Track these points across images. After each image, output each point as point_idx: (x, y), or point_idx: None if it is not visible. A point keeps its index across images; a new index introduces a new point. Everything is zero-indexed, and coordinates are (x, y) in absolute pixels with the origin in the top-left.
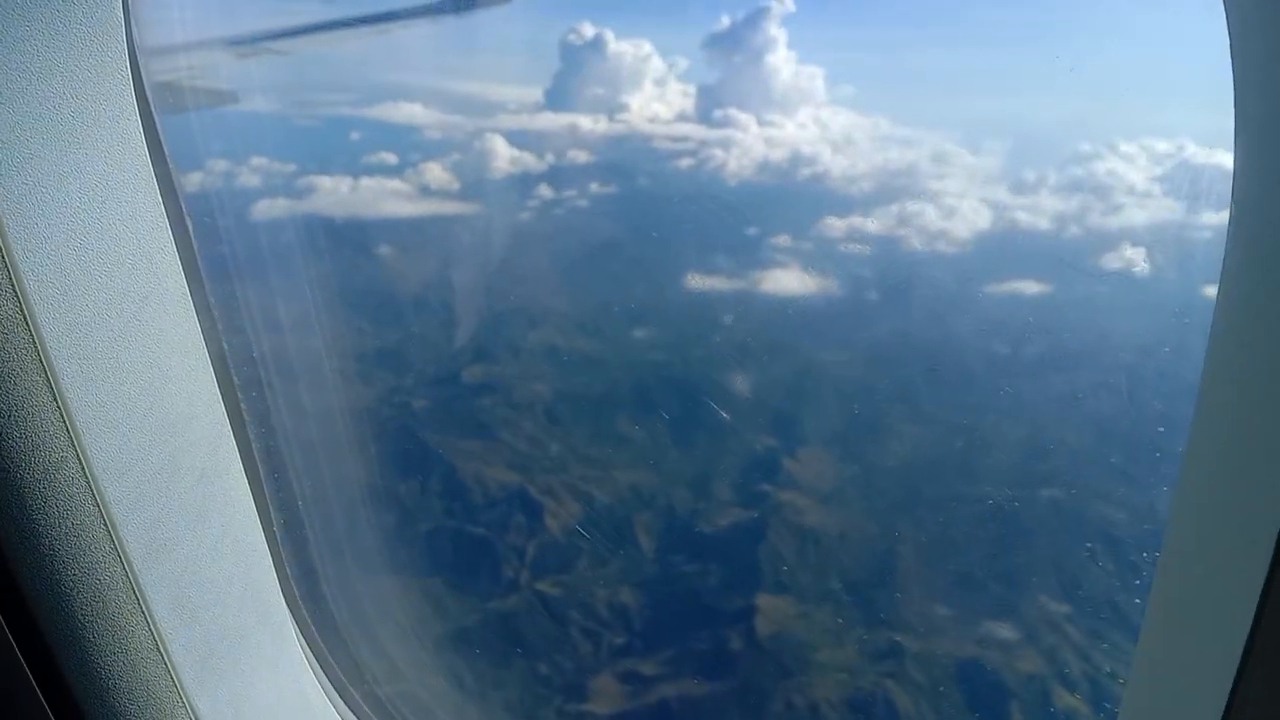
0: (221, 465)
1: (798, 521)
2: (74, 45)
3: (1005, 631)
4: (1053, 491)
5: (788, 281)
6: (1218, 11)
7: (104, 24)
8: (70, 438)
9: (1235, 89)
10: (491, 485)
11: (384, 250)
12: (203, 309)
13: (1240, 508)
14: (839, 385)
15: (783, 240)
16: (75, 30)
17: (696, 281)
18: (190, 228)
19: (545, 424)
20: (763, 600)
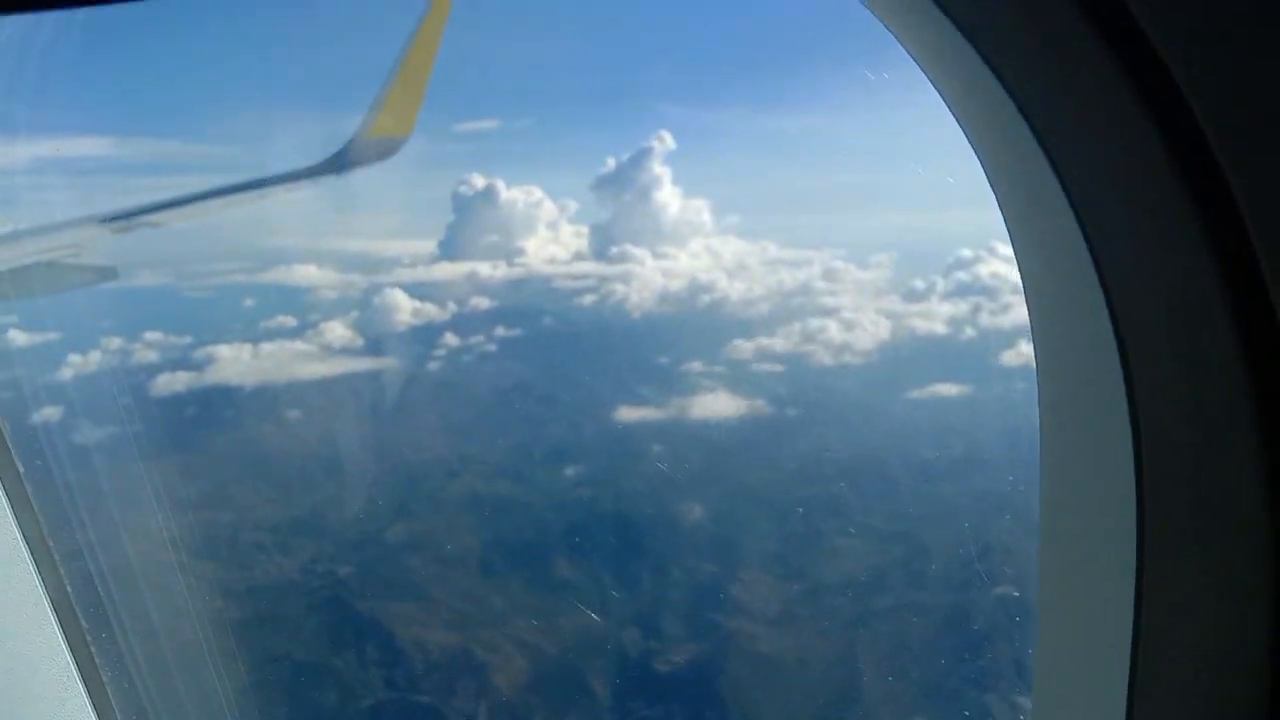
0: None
1: (753, 649)
2: None
3: None
4: (1004, 589)
5: (706, 406)
6: None
7: None
8: None
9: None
10: (432, 649)
11: (293, 414)
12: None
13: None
14: (772, 504)
15: (695, 366)
16: None
17: (614, 414)
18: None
19: (480, 577)
20: None
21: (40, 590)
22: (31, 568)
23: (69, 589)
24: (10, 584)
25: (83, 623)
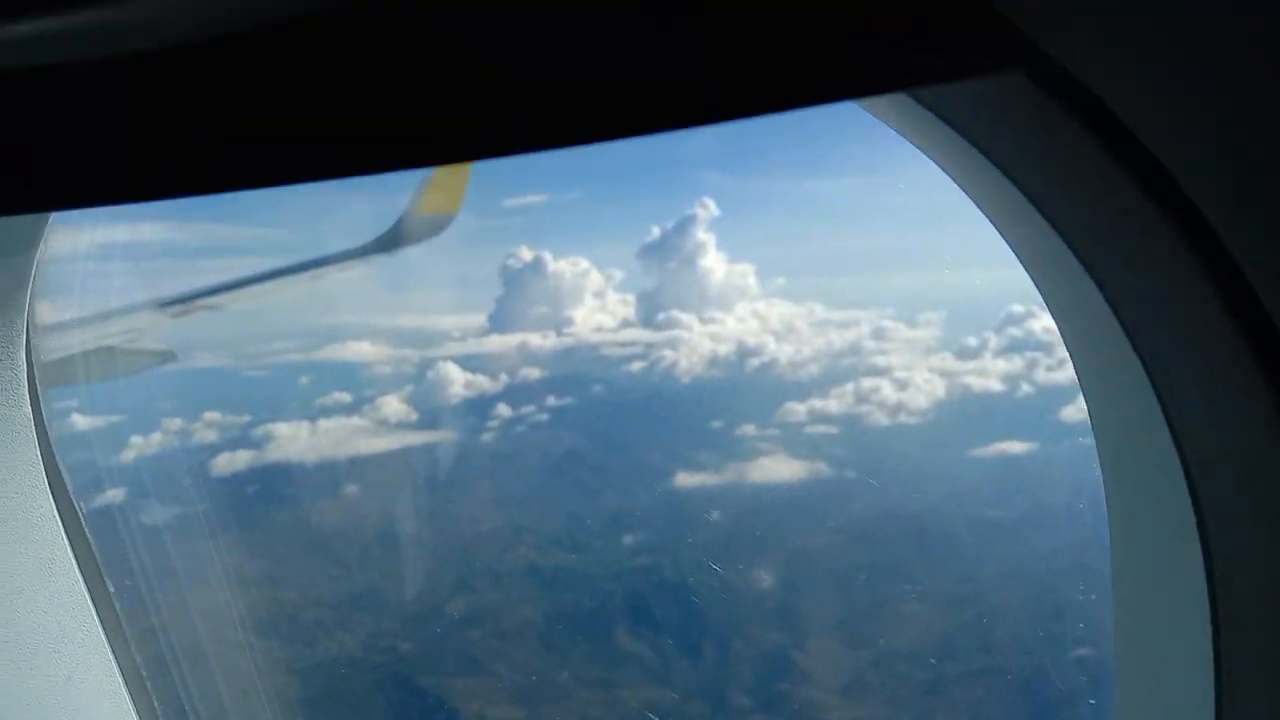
0: None
1: None
2: None
3: None
4: (1084, 650)
5: (763, 470)
6: None
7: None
8: None
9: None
10: None
11: (351, 489)
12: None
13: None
14: (837, 568)
15: (748, 430)
16: None
17: (670, 481)
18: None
19: (541, 650)
20: None
21: (115, 670)
22: (107, 648)
23: (141, 669)
24: (87, 665)
25: (155, 703)
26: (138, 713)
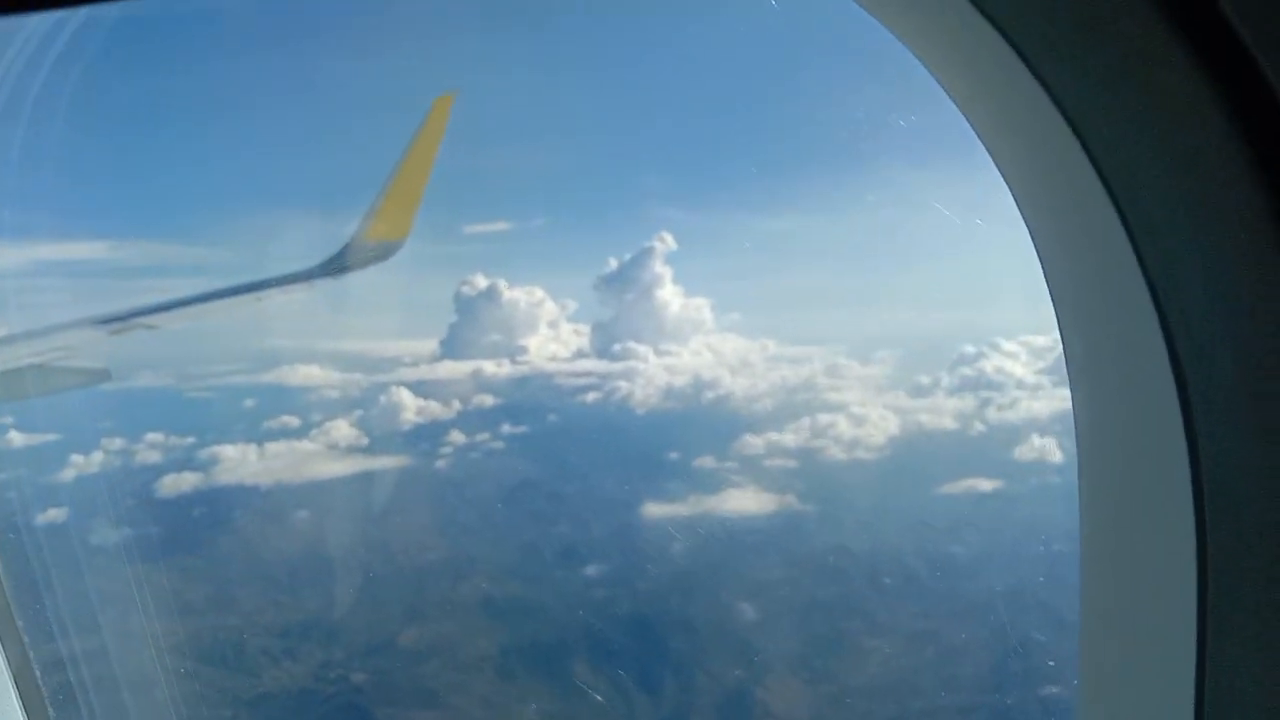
0: None
1: None
2: None
3: None
4: (1052, 689)
5: (722, 502)
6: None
7: None
8: None
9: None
10: None
11: (301, 514)
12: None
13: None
14: (795, 602)
15: (707, 461)
16: None
17: (627, 512)
18: None
19: (498, 683)
20: None
21: (14, 697)
22: (8, 679)
23: (45, 700)
24: None
25: None
26: None
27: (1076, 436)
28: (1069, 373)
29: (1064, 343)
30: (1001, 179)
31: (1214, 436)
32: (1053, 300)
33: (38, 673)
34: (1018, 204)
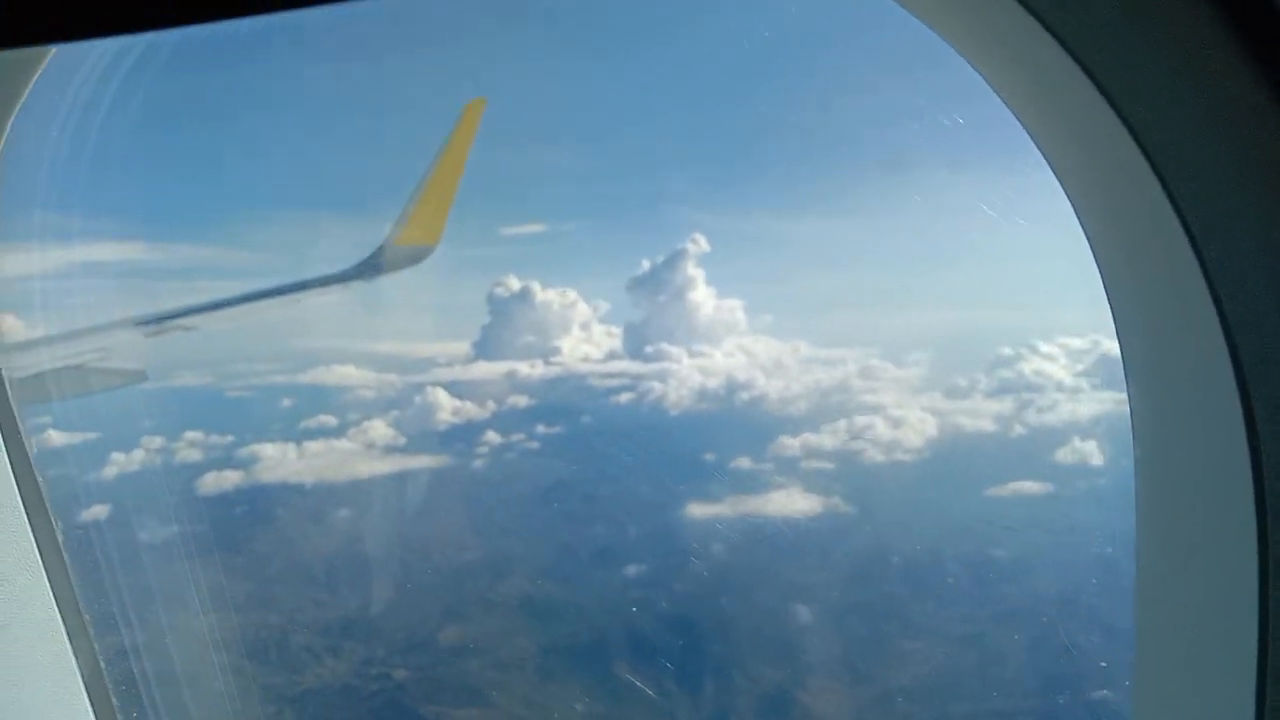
0: None
1: None
2: None
3: None
4: (1104, 693)
5: (761, 503)
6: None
7: None
8: None
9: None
10: None
11: (340, 513)
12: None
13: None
14: (836, 604)
15: (744, 463)
16: None
17: (665, 512)
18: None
19: (539, 682)
20: None
21: (82, 692)
22: (74, 665)
23: (110, 691)
24: (54, 684)
25: None
26: None
27: (1134, 442)
28: (1127, 378)
29: (1122, 347)
30: (1050, 183)
31: (1278, 443)
32: (1110, 304)
33: (102, 664)
34: (1073, 207)
